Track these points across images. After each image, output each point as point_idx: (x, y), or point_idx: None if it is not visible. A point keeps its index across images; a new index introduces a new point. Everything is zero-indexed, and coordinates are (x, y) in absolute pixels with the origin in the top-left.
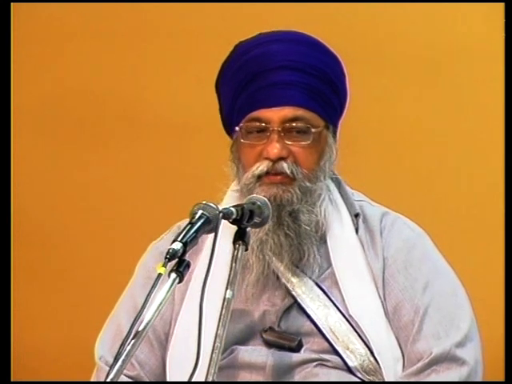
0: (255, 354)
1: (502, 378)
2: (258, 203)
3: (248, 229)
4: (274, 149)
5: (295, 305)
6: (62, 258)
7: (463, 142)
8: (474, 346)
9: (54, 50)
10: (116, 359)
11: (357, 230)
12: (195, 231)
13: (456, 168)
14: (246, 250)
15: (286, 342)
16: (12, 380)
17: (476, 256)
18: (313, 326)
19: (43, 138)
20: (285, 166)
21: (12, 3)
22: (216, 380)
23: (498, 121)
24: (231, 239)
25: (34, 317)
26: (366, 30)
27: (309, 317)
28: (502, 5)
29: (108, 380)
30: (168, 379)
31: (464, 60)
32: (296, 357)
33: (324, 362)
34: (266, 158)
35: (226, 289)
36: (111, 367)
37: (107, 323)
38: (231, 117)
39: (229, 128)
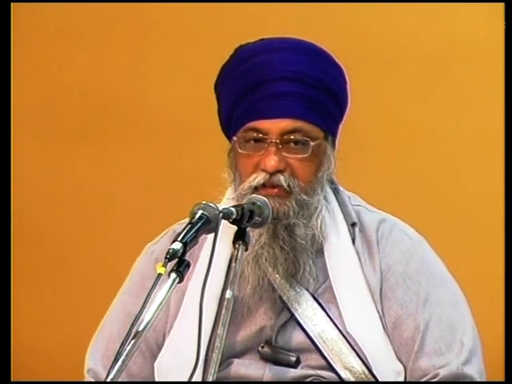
0: (252, 367)
1: (502, 378)
2: (258, 203)
3: (248, 229)
4: (272, 161)
5: (292, 319)
6: (62, 258)
7: (463, 142)
8: (478, 358)
9: (54, 49)
10: (116, 359)
11: (353, 240)
12: (195, 231)
13: (456, 168)
14: (246, 249)
15: (284, 358)
16: (12, 380)
17: (476, 256)
18: (309, 342)
19: (43, 138)
20: (281, 179)
21: (12, 3)
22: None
23: (498, 121)
24: (229, 242)
25: (34, 317)
26: (365, 30)
27: (306, 332)
28: (501, 5)
29: (108, 380)
30: None
31: (464, 60)
32: (293, 372)
33: (320, 379)
34: (263, 170)
35: (226, 289)
36: (111, 367)
37: (98, 331)
38: (229, 123)
39: (226, 132)
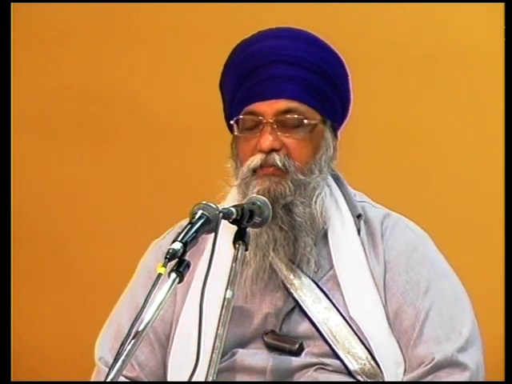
0: (256, 357)
1: (502, 378)
2: (258, 203)
3: (248, 229)
4: (266, 141)
5: (297, 307)
6: (62, 257)
7: (463, 142)
8: (476, 349)
9: (54, 50)
10: (116, 359)
11: (359, 232)
12: (195, 231)
13: (456, 167)
14: (246, 249)
15: (287, 346)
16: (12, 380)
17: (476, 256)
18: (314, 330)
19: (43, 138)
20: (276, 158)
21: (12, 3)
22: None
23: (498, 121)
24: (231, 242)
25: (34, 317)
26: (365, 31)
27: (310, 320)
28: (502, 5)
29: (108, 380)
30: (168, 380)
31: (464, 60)
32: (296, 361)
33: (324, 367)
34: (260, 151)
35: (226, 289)
36: (111, 367)
37: (107, 323)
38: (231, 113)
39: (231, 128)
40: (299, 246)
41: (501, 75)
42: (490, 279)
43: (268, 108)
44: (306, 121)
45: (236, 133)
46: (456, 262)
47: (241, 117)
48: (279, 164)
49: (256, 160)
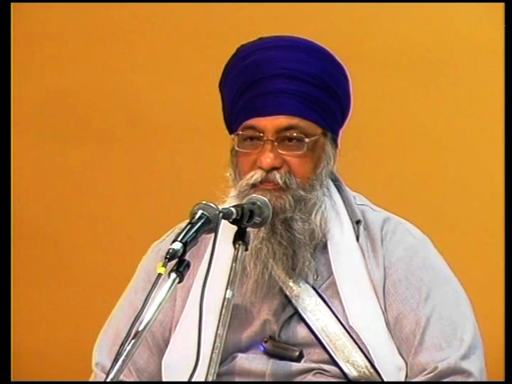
0: (255, 361)
1: (502, 378)
2: (258, 203)
3: (248, 229)
4: (267, 158)
5: (296, 315)
6: (62, 258)
7: (463, 142)
8: (478, 355)
9: (54, 50)
10: (116, 359)
11: (358, 238)
12: (195, 231)
13: (456, 168)
14: (246, 249)
15: (287, 353)
16: (12, 380)
17: (476, 257)
18: (313, 337)
19: (43, 138)
20: (277, 177)
21: (12, 3)
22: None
23: (498, 121)
24: (232, 241)
25: (34, 317)
26: (366, 30)
27: (309, 327)
28: (501, 5)
29: (108, 380)
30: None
31: (464, 60)
32: (295, 366)
33: (323, 372)
34: (260, 168)
35: (226, 289)
36: (111, 367)
37: (105, 327)
38: (231, 120)
39: (230, 130)
40: (298, 261)
41: (501, 75)
42: (490, 280)
43: (268, 124)
44: (307, 139)
45: (236, 147)
46: (456, 263)
47: (240, 132)
48: (280, 182)
49: (256, 176)
